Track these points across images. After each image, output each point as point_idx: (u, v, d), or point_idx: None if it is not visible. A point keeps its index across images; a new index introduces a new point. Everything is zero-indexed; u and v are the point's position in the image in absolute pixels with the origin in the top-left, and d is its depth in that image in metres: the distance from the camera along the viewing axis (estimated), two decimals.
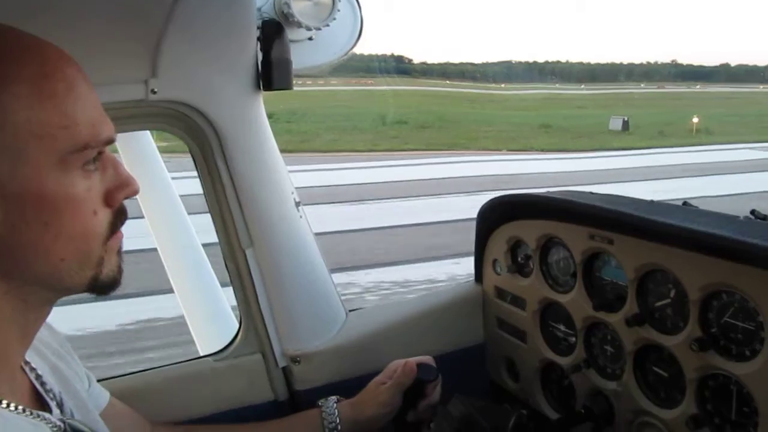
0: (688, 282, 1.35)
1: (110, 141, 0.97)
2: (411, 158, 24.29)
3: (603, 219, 1.51)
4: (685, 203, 1.62)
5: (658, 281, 1.45)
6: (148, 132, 2.74)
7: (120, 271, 1.01)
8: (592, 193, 1.70)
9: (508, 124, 36.86)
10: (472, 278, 2.03)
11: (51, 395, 1.08)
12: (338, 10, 1.65)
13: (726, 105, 51.34)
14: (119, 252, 1.01)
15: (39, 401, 1.05)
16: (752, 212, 1.54)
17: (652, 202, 1.54)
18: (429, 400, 1.57)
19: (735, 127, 35.43)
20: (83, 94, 0.93)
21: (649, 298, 1.47)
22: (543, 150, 27.87)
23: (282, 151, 1.76)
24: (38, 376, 1.08)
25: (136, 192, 1.00)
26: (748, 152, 25.68)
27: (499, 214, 1.85)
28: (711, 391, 1.35)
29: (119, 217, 0.99)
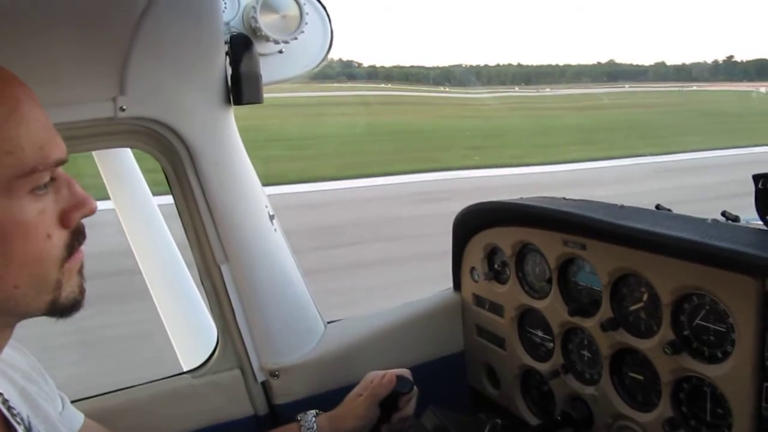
0: (660, 285, 1.36)
1: (60, 162, 0.93)
2: None
3: (575, 225, 1.52)
4: (657, 206, 1.63)
5: (631, 285, 1.45)
6: (128, 149, 2.73)
7: (81, 292, 0.98)
8: (564, 198, 1.70)
9: None
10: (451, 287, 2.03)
11: (18, 419, 1.06)
12: (306, 23, 1.65)
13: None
14: (80, 272, 0.99)
15: (5, 425, 1.04)
16: (723, 213, 1.55)
17: (622, 206, 1.55)
18: (402, 412, 1.57)
19: None
20: (28, 116, 0.89)
21: (623, 303, 1.48)
22: None
23: None
24: (5, 401, 1.07)
25: (93, 211, 0.97)
26: None
27: (475, 221, 1.85)
28: (686, 394, 1.35)
29: (77, 237, 0.96)
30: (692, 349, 1.32)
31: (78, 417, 1.35)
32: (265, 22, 1.62)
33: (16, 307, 0.92)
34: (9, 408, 1.06)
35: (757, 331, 1.18)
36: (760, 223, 1.30)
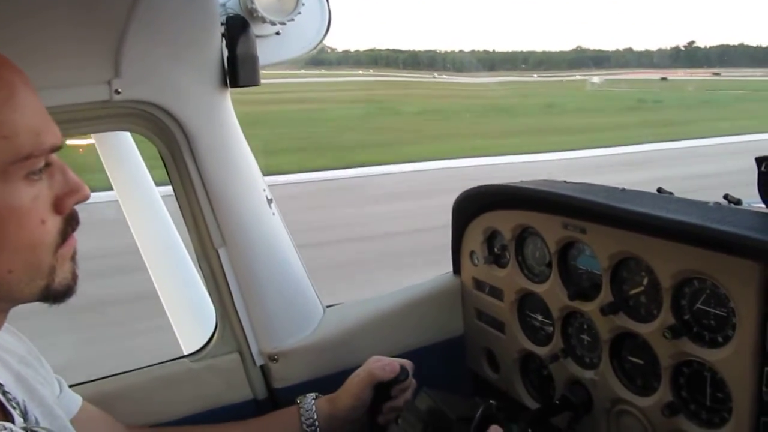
0: (660, 269, 1.34)
1: (55, 148, 0.93)
2: None
3: (575, 208, 1.50)
4: (659, 190, 1.61)
5: (632, 269, 1.44)
6: (128, 132, 2.72)
7: (74, 278, 0.98)
8: (565, 181, 1.69)
9: None
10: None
11: (13, 404, 1.06)
12: (303, 4, 1.62)
13: None
14: (73, 258, 0.99)
15: (1, 410, 1.04)
16: (725, 197, 1.53)
17: (624, 189, 1.53)
18: (394, 402, 1.55)
19: None
20: (24, 101, 0.89)
21: (623, 287, 1.47)
22: None
23: None
24: (0, 385, 1.07)
25: (86, 197, 0.97)
26: None
27: (475, 204, 1.84)
28: (686, 378, 1.35)
29: (70, 223, 0.97)
30: (692, 333, 1.31)
31: (76, 400, 1.35)
32: (262, 3, 1.59)
33: (9, 292, 0.92)
34: (4, 392, 1.06)
35: (758, 316, 1.17)
36: (763, 206, 1.28)
